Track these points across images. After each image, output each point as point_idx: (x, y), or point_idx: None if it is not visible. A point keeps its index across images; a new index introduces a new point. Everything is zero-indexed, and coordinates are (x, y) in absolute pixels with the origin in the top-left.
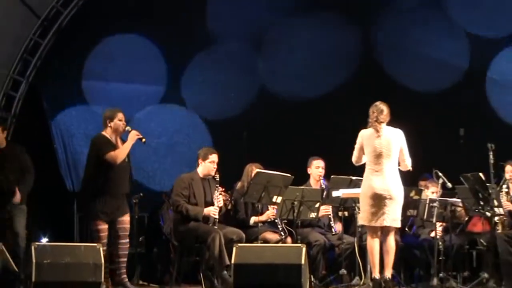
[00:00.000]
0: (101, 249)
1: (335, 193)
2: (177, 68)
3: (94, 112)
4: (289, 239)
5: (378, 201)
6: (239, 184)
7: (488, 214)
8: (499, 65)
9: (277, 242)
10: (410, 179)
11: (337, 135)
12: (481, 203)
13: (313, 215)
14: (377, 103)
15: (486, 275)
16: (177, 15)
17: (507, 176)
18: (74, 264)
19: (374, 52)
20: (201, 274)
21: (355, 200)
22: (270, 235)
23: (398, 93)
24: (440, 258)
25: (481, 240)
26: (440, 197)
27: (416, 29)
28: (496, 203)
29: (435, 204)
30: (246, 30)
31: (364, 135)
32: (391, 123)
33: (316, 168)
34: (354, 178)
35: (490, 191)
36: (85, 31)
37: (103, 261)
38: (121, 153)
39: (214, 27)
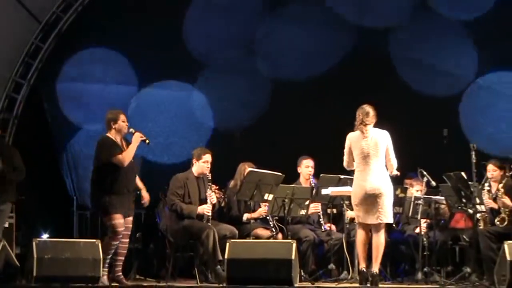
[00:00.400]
0: (99, 245)
1: (324, 191)
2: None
3: (93, 113)
4: (280, 235)
5: (370, 200)
6: (232, 183)
7: (470, 211)
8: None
9: (268, 238)
10: (396, 178)
11: (326, 136)
12: (464, 200)
13: (303, 212)
14: (363, 106)
15: (468, 269)
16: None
17: (488, 175)
18: (73, 259)
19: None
20: (196, 269)
21: (344, 198)
22: (262, 231)
23: (385, 95)
24: (425, 253)
25: (464, 236)
26: (425, 195)
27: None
28: (478, 200)
29: (419, 202)
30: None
31: (351, 137)
32: (378, 123)
33: (306, 167)
34: (342, 176)
35: (472, 189)
36: (84, 35)
37: (101, 256)
38: (127, 155)
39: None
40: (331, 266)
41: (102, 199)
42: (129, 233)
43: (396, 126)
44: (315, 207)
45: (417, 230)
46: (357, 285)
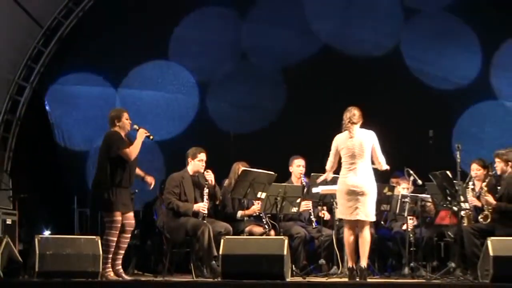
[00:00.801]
0: (99, 241)
1: (314, 190)
2: None
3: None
4: (272, 232)
5: (352, 196)
6: (226, 181)
7: (455, 208)
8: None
9: (261, 234)
10: (383, 177)
11: (316, 137)
12: (449, 198)
13: (294, 209)
14: (350, 107)
15: (453, 264)
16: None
17: (472, 173)
18: (74, 255)
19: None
20: (192, 264)
21: (333, 196)
22: (255, 228)
23: (373, 98)
24: (411, 249)
25: (449, 233)
26: (411, 193)
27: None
28: (462, 198)
29: (406, 200)
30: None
31: (338, 139)
32: (367, 125)
33: (297, 166)
34: (332, 175)
35: (456, 188)
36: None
37: (101, 252)
38: (134, 150)
39: None
40: (322, 261)
41: (105, 194)
42: (132, 228)
43: (384, 127)
44: (306, 205)
45: (404, 227)
46: (346, 279)
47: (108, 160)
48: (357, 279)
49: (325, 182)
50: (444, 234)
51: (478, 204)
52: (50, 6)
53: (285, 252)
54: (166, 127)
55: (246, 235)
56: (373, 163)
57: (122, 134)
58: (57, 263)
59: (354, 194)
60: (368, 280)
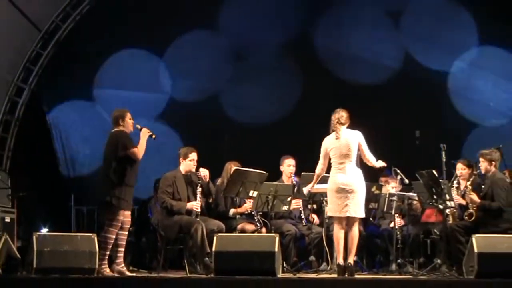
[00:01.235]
0: (95, 238)
1: (305, 188)
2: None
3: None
4: (264, 229)
5: (342, 194)
6: (219, 180)
7: (441, 206)
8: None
9: (253, 232)
10: (372, 176)
11: (306, 137)
12: (435, 197)
13: (285, 208)
14: (338, 109)
15: (439, 261)
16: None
17: (458, 173)
18: (71, 251)
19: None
20: (185, 261)
21: (323, 195)
22: (247, 226)
23: (361, 100)
24: (398, 246)
25: (435, 230)
26: (399, 192)
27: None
28: (448, 197)
29: (394, 198)
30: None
31: (326, 141)
32: (355, 126)
33: (288, 166)
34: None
35: (442, 186)
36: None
37: (97, 249)
38: (141, 150)
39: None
40: (312, 258)
41: (113, 193)
42: (128, 225)
43: (372, 128)
44: (296, 203)
45: (392, 225)
46: (335, 275)
47: (116, 159)
48: (346, 275)
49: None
50: (430, 231)
51: (463, 202)
52: (48, 10)
53: (276, 249)
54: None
55: (238, 233)
56: (359, 161)
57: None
58: (54, 259)
59: (343, 192)
60: (357, 276)
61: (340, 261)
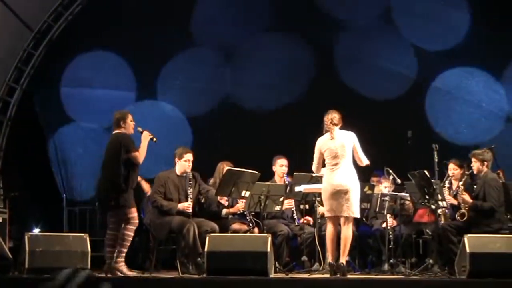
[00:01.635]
0: (87, 238)
1: (297, 188)
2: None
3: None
4: (256, 229)
5: (337, 194)
6: (212, 180)
7: (433, 206)
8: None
9: (245, 232)
10: (364, 176)
11: (299, 137)
12: (427, 197)
13: (277, 208)
14: (330, 111)
15: (431, 261)
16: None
17: (449, 173)
18: (63, 252)
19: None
20: (178, 261)
21: (315, 195)
22: (239, 226)
23: (353, 101)
24: (391, 246)
25: (427, 230)
26: (391, 192)
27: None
28: (439, 197)
29: (386, 198)
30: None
31: (320, 141)
32: (348, 127)
33: (280, 166)
34: (314, 175)
35: (434, 187)
36: (74, 43)
37: (89, 249)
38: (142, 153)
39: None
40: (304, 258)
41: (120, 194)
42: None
43: (364, 129)
44: (289, 203)
45: (384, 225)
46: (328, 275)
47: (119, 161)
48: (338, 275)
49: (307, 181)
50: (422, 231)
51: (455, 202)
52: (40, 10)
53: (268, 249)
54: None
55: (231, 233)
56: (353, 161)
57: None
58: (46, 259)
59: (339, 193)
60: (349, 276)
61: (331, 260)
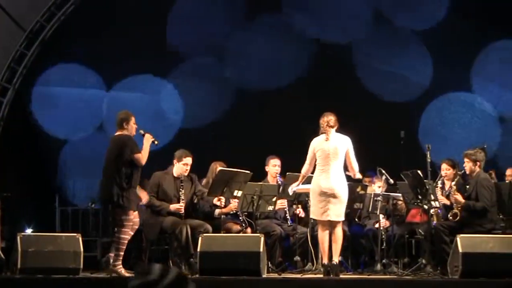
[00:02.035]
0: (80, 238)
1: (290, 188)
2: None
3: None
4: (249, 230)
5: (324, 198)
6: (204, 181)
7: (425, 207)
8: None
9: (238, 232)
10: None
11: (292, 137)
12: (419, 197)
13: (270, 208)
14: (326, 113)
15: (423, 261)
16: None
17: (442, 173)
18: (56, 252)
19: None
20: (170, 261)
21: (308, 195)
22: (232, 226)
23: (347, 101)
24: (383, 246)
25: (419, 230)
26: (384, 192)
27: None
28: (432, 197)
29: (378, 198)
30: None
31: (315, 141)
32: (341, 127)
33: (273, 166)
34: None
35: (427, 187)
36: (66, 42)
37: (82, 249)
38: (145, 155)
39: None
40: (297, 258)
41: (123, 194)
42: (137, 227)
43: (357, 129)
44: (281, 203)
45: (377, 225)
46: (321, 276)
47: (123, 162)
48: (331, 275)
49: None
50: (415, 231)
51: (447, 202)
52: (33, 10)
53: (261, 249)
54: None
55: (223, 233)
56: (346, 169)
57: None
58: (38, 260)
59: (325, 196)
60: (342, 276)
61: (325, 261)
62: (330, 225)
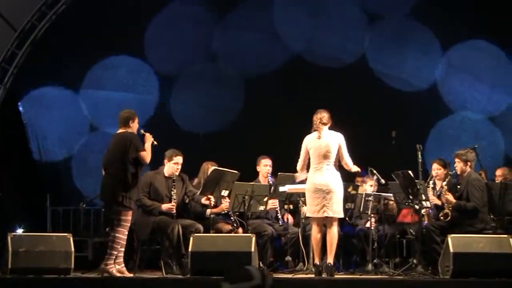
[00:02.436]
0: (71, 238)
1: (281, 188)
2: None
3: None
4: (240, 230)
5: (320, 194)
6: (196, 180)
7: (417, 207)
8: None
9: (229, 232)
10: (348, 176)
11: (282, 138)
12: (410, 197)
13: (261, 208)
14: (320, 110)
15: (414, 261)
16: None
17: (433, 173)
18: (47, 252)
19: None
20: (162, 261)
21: (299, 195)
22: (223, 226)
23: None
24: (374, 246)
25: (410, 230)
26: (376, 192)
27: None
28: (423, 197)
29: (370, 198)
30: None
31: (308, 139)
32: (333, 126)
33: (264, 166)
34: (297, 174)
35: (418, 187)
36: (58, 42)
37: (73, 249)
38: (148, 154)
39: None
40: (288, 258)
41: (127, 193)
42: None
43: (348, 128)
44: (273, 203)
45: (368, 225)
46: (312, 275)
47: (130, 160)
48: (323, 275)
49: (291, 181)
50: (406, 231)
51: (439, 202)
52: (24, 10)
53: (252, 249)
54: None
55: (215, 233)
56: (338, 162)
57: None
58: (29, 260)
59: (321, 192)
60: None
61: (317, 260)
62: (326, 224)
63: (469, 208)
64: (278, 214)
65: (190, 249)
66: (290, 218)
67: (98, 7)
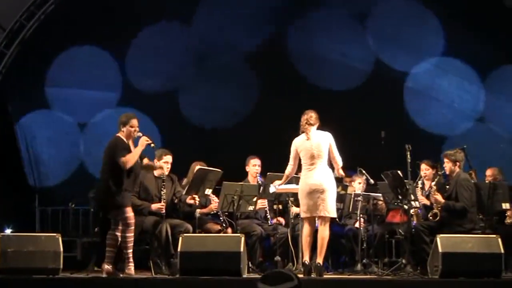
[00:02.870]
0: (60, 238)
1: (271, 189)
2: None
3: (55, 116)
4: (229, 230)
5: (313, 194)
6: (185, 180)
7: (406, 207)
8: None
9: (219, 232)
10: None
11: (272, 138)
12: (399, 197)
13: (251, 208)
14: (307, 111)
15: (404, 261)
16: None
17: (422, 173)
18: (36, 252)
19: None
20: (151, 261)
21: (289, 195)
22: (212, 226)
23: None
24: (364, 246)
25: (399, 230)
26: (364, 191)
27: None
28: (412, 197)
29: (359, 198)
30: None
31: (296, 141)
32: (322, 127)
33: (253, 166)
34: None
35: (407, 187)
36: (46, 42)
37: (62, 249)
38: (131, 158)
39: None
40: (277, 258)
41: (114, 195)
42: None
43: (338, 128)
44: (262, 203)
45: (357, 225)
46: (301, 275)
47: (112, 163)
48: (313, 275)
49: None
50: (395, 231)
51: (427, 202)
52: (13, 9)
53: (241, 249)
54: None
55: (204, 233)
56: (331, 165)
57: (127, 139)
58: (18, 260)
59: (315, 192)
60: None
61: (306, 260)
62: (319, 223)
63: (458, 208)
64: (267, 214)
65: (179, 249)
66: (282, 221)
67: (87, 7)
